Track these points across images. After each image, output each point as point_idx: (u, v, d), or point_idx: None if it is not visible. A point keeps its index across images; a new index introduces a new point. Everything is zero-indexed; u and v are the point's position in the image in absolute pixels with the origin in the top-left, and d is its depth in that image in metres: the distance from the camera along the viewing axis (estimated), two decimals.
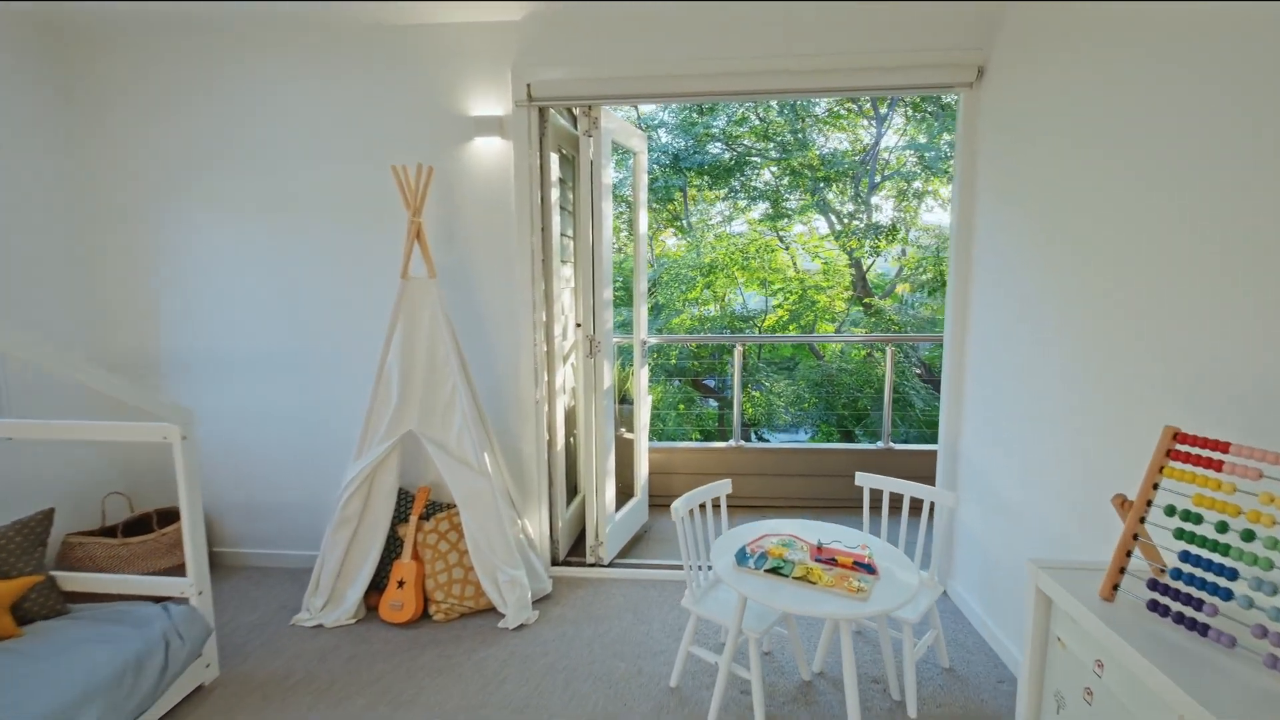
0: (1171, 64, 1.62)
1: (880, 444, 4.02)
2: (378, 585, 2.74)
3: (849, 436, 7.65)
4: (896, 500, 2.35)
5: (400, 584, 2.64)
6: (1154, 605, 1.15)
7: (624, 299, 7.04)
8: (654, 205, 8.24)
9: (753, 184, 7.90)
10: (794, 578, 1.89)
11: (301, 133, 2.86)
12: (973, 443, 2.69)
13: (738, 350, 4.18)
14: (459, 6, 2.60)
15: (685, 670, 2.31)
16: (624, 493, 3.52)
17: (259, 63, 2.83)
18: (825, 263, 7.75)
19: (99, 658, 1.88)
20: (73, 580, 2.23)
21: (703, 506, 2.70)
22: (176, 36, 2.84)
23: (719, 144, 7.76)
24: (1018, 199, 2.37)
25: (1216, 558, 1.11)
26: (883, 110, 7.71)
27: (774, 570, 1.92)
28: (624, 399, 4.15)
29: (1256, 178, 1.38)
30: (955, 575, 2.84)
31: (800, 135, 7.63)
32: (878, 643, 2.46)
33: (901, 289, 7.99)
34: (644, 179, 3.41)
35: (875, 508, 3.38)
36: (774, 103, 7.61)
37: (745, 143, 7.77)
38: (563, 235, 3.11)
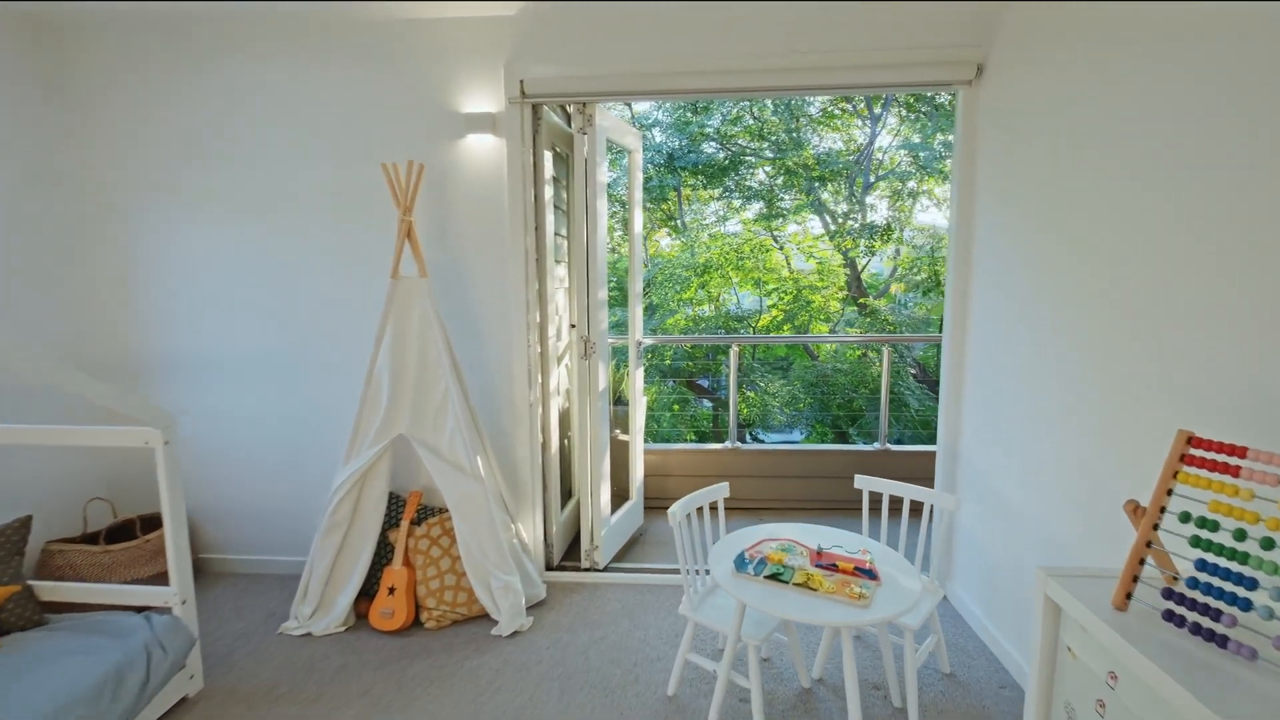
0: (1168, 64, 1.62)
1: (877, 445, 3.99)
2: (368, 592, 2.68)
3: (843, 437, 7.63)
4: (895, 502, 2.31)
5: (391, 591, 2.58)
6: (1169, 615, 1.11)
7: (618, 299, 7.00)
8: (648, 205, 8.19)
9: (747, 183, 7.88)
10: (794, 584, 1.85)
11: (289, 129, 2.79)
12: (972, 443, 2.66)
13: (733, 351, 4.14)
14: (451, 4, 2.54)
15: (683, 678, 2.27)
16: (619, 495, 3.47)
17: (246, 59, 2.77)
18: (820, 263, 7.74)
19: (76, 670, 1.82)
20: (51, 590, 2.17)
21: (700, 510, 2.66)
22: (162, 32, 2.77)
23: (713, 143, 7.74)
24: (1018, 198, 2.34)
25: (1235, 566, 1.08)
26: (877, 110, 7.70)
27: (774, 576, 1.88)
28: (619, 400, 4.10)
29: (1253, 177, 1.37)
30: (954, 578, 2.81)
31: (795, 135, 7.61)
32: (878, 648, 2.43)
33: (896, 289, 7.99)
34: (639, 177, 3.36)
35: (874, 509, 3.35)
36: (769, 102, 7.58)
37: (740, 142, 7.75)
38: (557, 235, 3.06)
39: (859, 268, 7.97)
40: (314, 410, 2.96)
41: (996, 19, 2.45)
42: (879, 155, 7.83)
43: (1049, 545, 2.10)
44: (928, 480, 3.04)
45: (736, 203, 8.17)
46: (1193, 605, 1.09)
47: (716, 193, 8.14)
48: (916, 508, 3.20)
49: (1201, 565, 1.11)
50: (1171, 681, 0.99)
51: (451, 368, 2.60)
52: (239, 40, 2.76)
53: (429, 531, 2.66)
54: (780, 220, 8.04)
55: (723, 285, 7.99)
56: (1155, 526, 1.18)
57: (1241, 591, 1.06)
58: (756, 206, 8.05)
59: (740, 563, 1.95)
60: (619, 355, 4.55)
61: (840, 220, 7.97)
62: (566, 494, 3.33)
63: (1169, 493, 1.18)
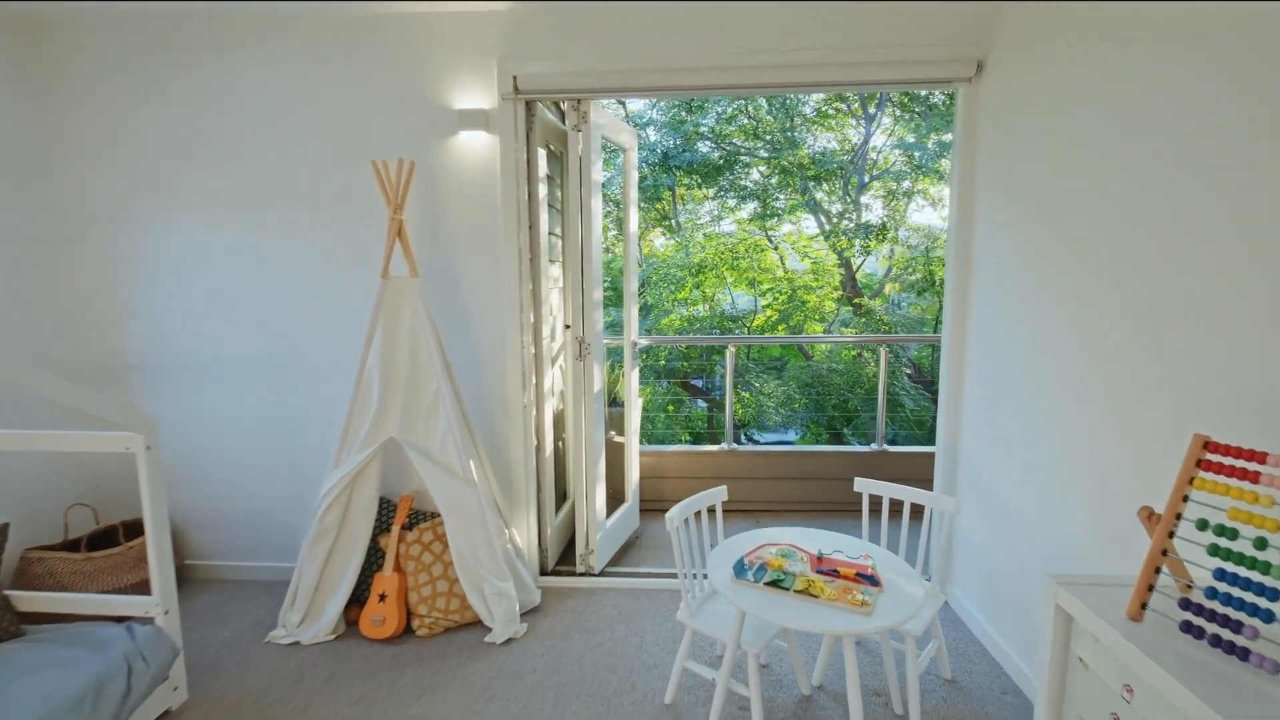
0: (1168, 64, 1.62)
1: (874, 446, 3.96)
2: (358, 599, 2.62)
3: (838, 437, 7.61)
4: (894, 504, 2.28)
5: (382, 598, 2.53)
6: (1187, 626, 1.08)
7: (612, 299, 6.95)
8: (642, 205, 8.15)
9: (742, 183, 7.85)
10: (795, 591, 1.81)
11: (277, 127, 2.73)
12: (972, 444, 2.63)
13: (730, 351, 4.10)
14: (442, 1, 2.50)
15: (681, 685, 2.22)
16: (614, 498, 3.43)
17: (235, 57, 2.70)
18: (814, 263, 7.72)
19: (54, 684, 1.75)
20: (29, 600, 2.10)
21: (697, 514, 2.62)
22: (149, 30, 2.69)
23: (708, 142, 7.70)
24: (1019, 197, 2.31)
25: (1256, 576, 1.04)
26: (871, 110, 7.69)
27: (774, 583, 1.84)
28: (614, 402, 4.05)
29: (1253, 177, 1.37)
30: (954, 581, 2.78)
31: (790, 134, 7.58)
32: (879, 654, 2.39)
33: (891, 289, 7.98)
34: (634, 176, 3.32)
35: (873, 511, 3.31)
36: (764, 101, 7.56)
37: (735, 141, 7.72)
38: (551, 234, 3.01)
39: (854, 268, 7.95)
40: (304, 412, 2.89)
41: (996, 18, 2.43)
42: (873, 155, 7.82)
43: (1052, 547, 2.07)
44: (926, 481, 3.01)
45: (731, 202, 8.14)
46: (1212, 616, 1.06)
47: (711, 192, 8.11)
48: (916, 510, 3.17)
49: (1220, 575, 1.07)
50: (1192, 696, 0.95)
51: (443, 369, 2.54)
52: (228, 38, 2.69)
53: (421, 537, 2.60)
54: (775, 220, 8.01)
55: (717, 285, 7.96)
56: (1171, 534, 1.14)
57: (1263, 603, 1.03)
58: (751, 206, 8.02)
59: (740, 569, 1.91)
60: (614, 356, 4.50)
61: (835, 220, 7.95)
62: (561, 497, 3.28)
63: (1185, 499, 1.14)
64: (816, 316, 7.76)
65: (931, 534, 2.17)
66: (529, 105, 2.70)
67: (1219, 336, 1.44)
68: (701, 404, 8.25)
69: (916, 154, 7.40)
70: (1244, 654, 1.00)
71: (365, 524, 2.57)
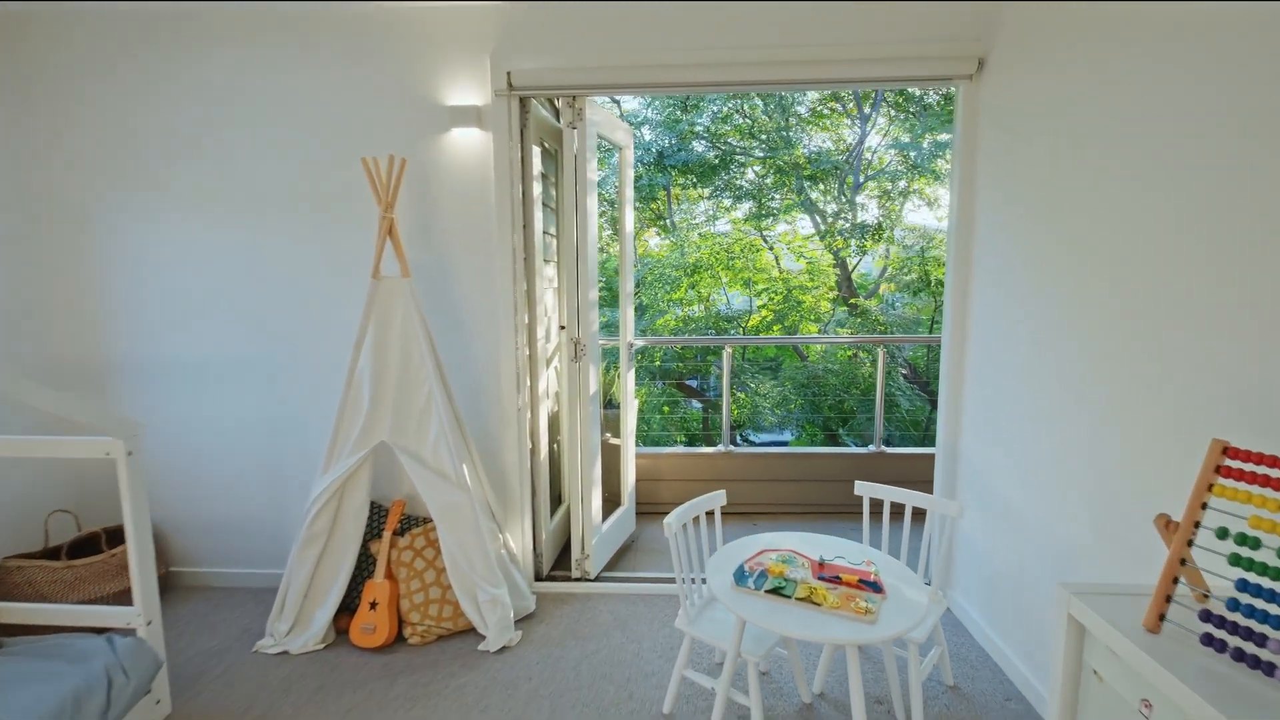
0: (1168, 64, 1.60)
1: (872, 448, 3.93)
2: (348, 607, 2.56)
3: (833, 437, 7.59)
4: (894, 507, 2.24)
5: (373, 605, 2.47)
6: (1209, 639, 1.04)
7: (606, 299, 6.90)
8: (637, 204, 8.10)
9: (737, 182, 7.81)
10: (797, 599, 1.77)
11: (265, 124, 2.66)
12: (973, 445, 2.60)
13: (726, 352, 4.05)
14: None
15: (679, 694, 2.18)
16: (610, 501, 3.38)
17: (220, 52, 2.63)
18: (809, 263, 7.69)
19: (30, 699, 1.69)
20: (5, 611, 2.03)
21: (695, 519, 2.57)
22: (132, 26, 2.62)
23: (703, 142, 7.66)
24: (1019, 198, 2.29)
25: None
26: (866, 110, 7.67)
27: (775, 591, 1.80)
28: (609, 403, 4.01)
29: (1255, 177, 1.36)
30: (954, 584, 2.74)
31: (785, 134, 7.56)
32: (880, 660, 2.35)
33: (886, 289, 7.96)
34: (630, 174, 3.27)
35: (873, 514, 3.28)
36: (759, 100, 7.53)
37: (730, 141, 7.68)
38: (545, 233, 2.96)
39: (849, 268, 7.93)
40: (293, 415, 2.83)
41: (996, 18, 2.40)
42: (868, 155, 7.80)
43: (1055, 551, 2.04)
44: (924, 483, 2.98)
45: (726, 202, 8.10)
46: (1234, 629, 1.02)
47: (706, 192, 8.07)
48: (915, 512, 3.14)
49: (1243, 585, 1.03)
50: (1218, 714, 0.91)
51: (436, 371, 2.49)
52: (214, 34, 2.62)
53: (413, 543, 2.55)
54: (770, 220, 7.99)
55: (713, 285, 7.93)
56: (1189, 543, 1.10)
57: None
58: (746, 206, 7.99)
59: (740, 576, 1.86)
60: (609, 357, 4.45)
61: (830, 220, 7.93)
62: (556, 500, 3.23)
63: (1203, 506, 1.11)
64: (812, 317, 7.73)
65: (933, 538, 2.13)
66: (523, 102, 2.65)
67: (1219, 336, 1.44)
68: (696, 404, 8.21)
69: (911, 154, 7.38)
70: (1269, 669, 0.97)
71: (356, 530, 2.51)
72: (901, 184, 7.56)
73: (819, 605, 1.74)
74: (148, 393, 2.85)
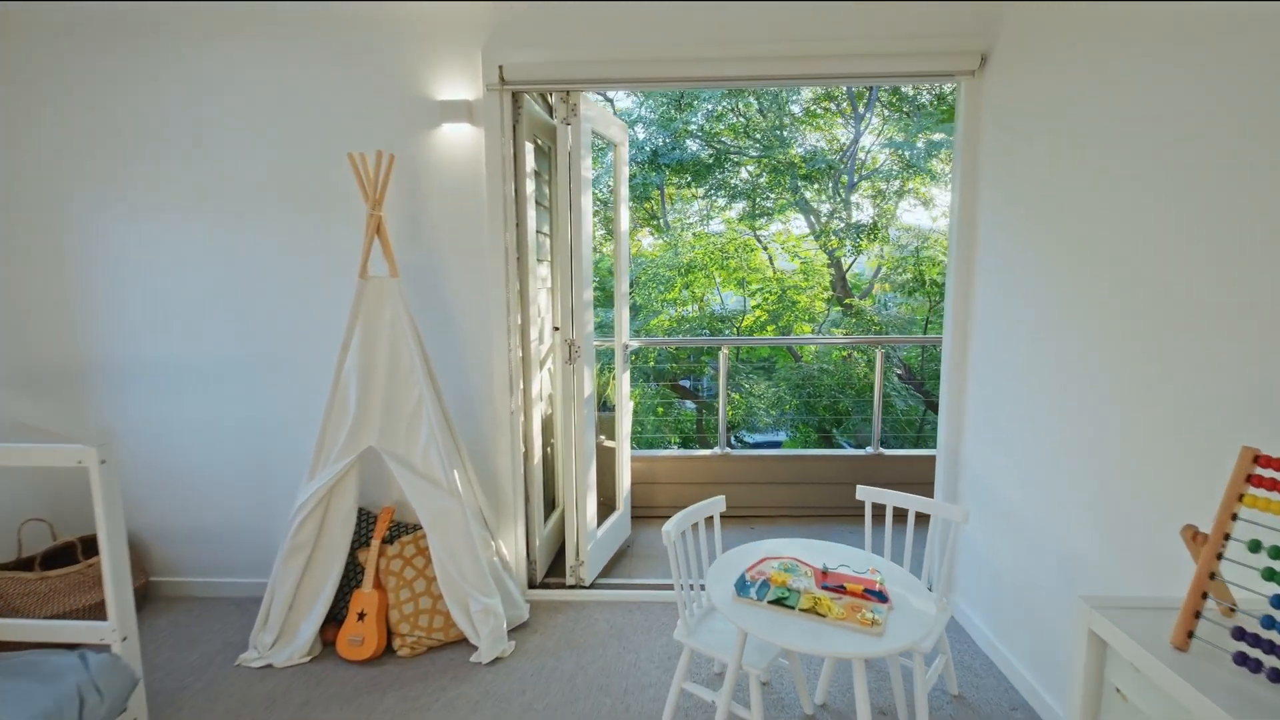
0: (1168, 64, 1.60)
1: (870, 450, 3.88)
2: (335, 618, 2.48)
3: (828, 438, 7.56)
4: (895, 511, 2.19)
5: (361, 616, 2.39)
6: (1242, 658, 0.98)
7: (600, 300, 6.83)
8: (630, 204, 8.04)
9: (731, 182, 7.76)
10: (800, 610, 1.71)
11: (248, 119, 2.58)
12: (975, 448, 2.56)
13: (723, 353, 4.00)
14: None
15: (678, 707, 2.11)
16: (605, 506, 3.31)
17: (203, 46, 2.54)
18: (804, 262, 7.65)
19: None
20: None
21: (694, 525, 2.51)
22: (108, 21, 2.53)
23: (697, 140, 7.61)
24: (1022, 197, 2.26)
25: None
26: (860, 109, 7.65)
27: (778, 601, 1.73)
28: (603, 405, 3.94)
29: (1257, 177, 1.36)
30: (956, 588, 2.69)
31: (780, 133, 7.51)
32: (884, 670, 2.30)
33: (881, 289, 7.94)
34: (625, 171, 3.20)
35: (873, 518, 3.23)
36: (754, 99, 7.48)
37: (724, 140, 7.63)
38: (539, 232, 2.89)
39: (844, 268, 7.90)
40: (280, 418, 2.74)
41: (998, 18, 2.36)
42: (862, 155, 7.78)
43: (1061, 556, 2.00)
44: (924, 485, 2.94)
45: (720, 201, 8.05)
46: (1270, 648, 0.97)
47: (700, 191, 8.02)
48: (917, 516, 3.08)
49: (1278, 602, 0.98)
50: None
51: (426, 374, 2.41)
52: (197, 28, 2.53)
53: (402, 551, 2.47)
54: (764, 219, 7.94)
55: (707, 285, 7.88)
56: (1219, 556, 1.05)
57: None
58: (740, 205, 7.95)
59: (742, 586, 1.80)
60: (603, 358, 4.38)
61: (825, 220, 7.90)
62: (550, 505, 3.16)
63: (1233, 517, 1.05)
64: (806, 317, 7.70)
65: (938, 545, 2.08)
66: (515, 97, 2.58)
67: (1219, 336, 1.44)
68: (690, 405, 8.15)
69: (904, 153, 7.36)
70: None
71: (343, 538, 2.43)
72: (895, 184, 7.54)
73: (824, 616, 1.68)
74: (128, 396, 2.75)
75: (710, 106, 7.45)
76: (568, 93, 2.60)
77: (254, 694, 2.19)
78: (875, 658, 1.60)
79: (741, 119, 7.64)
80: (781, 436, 7.98)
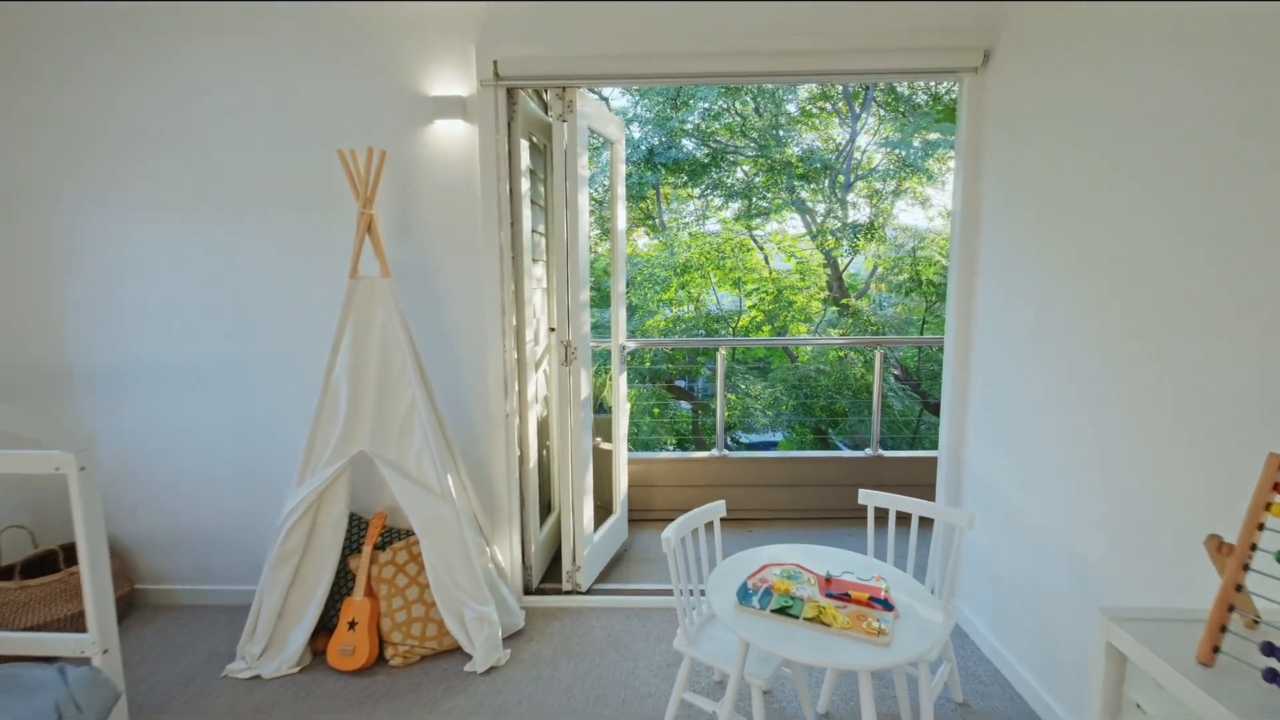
0: (1168, 63, 1.60)
1: (869, 451, 3.84)
2: (326, 627, 2.42)
3: (824, 438, 7.52)
4: (897, 514, 2.14)
5: (352, 625, 2.33)
6: (1272, 675, 0.94)
7: (595, 300, 6.77)
8: (626, 203, 8.00)
9: (727, 181, 7.72)
10: (804, 619, 1.66)
11: (237, 116, 2.51)
12: (977, 450, 2.52)
13: (721, 354, 3.95)
14: None
15: (678, 718, 2.06)
16: (602, 509, 3.26)
17: (192, 42, 2.47)
18: (800, 263, 7.62)
19: None
20: None
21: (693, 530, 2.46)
22: (97, 18, 2.46)
23: (693, 140, 7.56)
24: (1026, 196, 2.22)
25: None
26: (856, 108, 7.62)
27: (782, 610, 1.69)
28: (599, 407, 3.88)
29: (1260, 177, 1.35)
30: (958, 592, 2.66)
31: (776, 132, 7.48)
32: (887, 677, 2.26)
33: (877, 289, 7.91)
34: (621, 170, 3.15)
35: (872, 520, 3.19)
36: (750, 98, 7.44)
37: (719, 139, 7.59)
38: (534, 231, 2.83)
39: (840, 268, 7.87)
40: (271, 421, 2.68)
41: (1001, 17, 2.33)
42: (857, 155, 7.75)
43: (1067, 560, 1.96)
44: (924, 487, 2.90)
45: (716, 201, 8.01)
46: None
47: (696, 191, 7.97)
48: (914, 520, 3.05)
49: None
50: None
51: (418, 376, 2.35)
52: (184, 28, 2.46)
53: (395, 557, 2.41)
54: (760, 219, 7.91)
55: (702, 286, 7.83)
56: (1245, 567, 1.01)
57: None
58: (736, 205, 7.91)
59: (744, 595, 1.75)
60: (599, 359, 4.33)
61: (821, 220, 7.87)
62: (545, 508, 3.10)
63: (1260, 527, 1.01)
64: (802, 317, 7.67)
65: (941, 550, 2.04)
66: (510, 93, 2.52)
67: (1232, 336, 1.42)
68: (685, 405, 8.11)
69: (899, 153, 7.34)
70: None
71: (333, 545, 2.37)
72: (892, 184, 7.52)
73: (828, 626, 1.64)
74: (115, 399, 2.68)
75: (706, 105, 7.41)
76: (564, 89, 2.55)
77: (241, 706, 2.13)
78: (882, 668, 1.55)
79: (738, 118, 7.60)
80: (777, 437, 7.95)
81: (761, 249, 7.99)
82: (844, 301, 7.64)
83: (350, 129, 2.48)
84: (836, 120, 7.88)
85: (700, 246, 7.66)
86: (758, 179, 7.64)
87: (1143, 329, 1.67)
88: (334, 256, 2.53)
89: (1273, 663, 0.96)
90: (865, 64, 2.44)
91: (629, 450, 3.69)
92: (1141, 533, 1.68)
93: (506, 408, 2.62)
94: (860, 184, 7.77)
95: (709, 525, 2.08)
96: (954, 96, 7.07)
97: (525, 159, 2.64)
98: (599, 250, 7.19)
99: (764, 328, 7.65)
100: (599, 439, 3.50)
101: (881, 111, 7.79)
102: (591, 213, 7.18)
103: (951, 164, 7.17)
